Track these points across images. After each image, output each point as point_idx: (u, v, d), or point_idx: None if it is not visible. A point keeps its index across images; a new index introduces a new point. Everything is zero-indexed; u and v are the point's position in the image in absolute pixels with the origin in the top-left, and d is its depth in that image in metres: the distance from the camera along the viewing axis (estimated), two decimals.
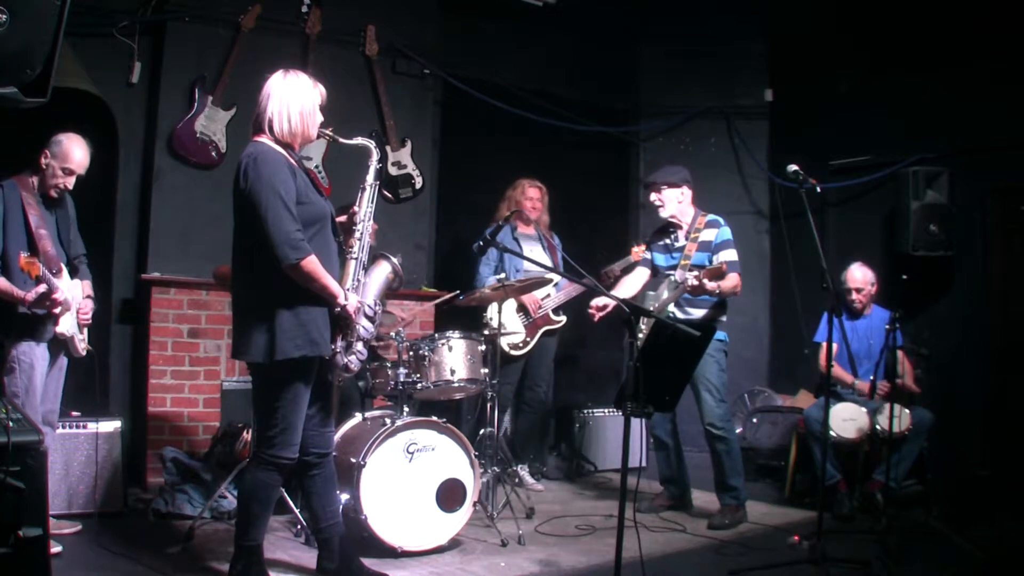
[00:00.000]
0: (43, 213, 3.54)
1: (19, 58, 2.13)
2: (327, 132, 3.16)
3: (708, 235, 4.40)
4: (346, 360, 3.04)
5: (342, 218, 3.22)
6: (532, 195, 5.22)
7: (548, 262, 5.07)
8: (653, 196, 4.50)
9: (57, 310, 3.46)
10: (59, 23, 2.18)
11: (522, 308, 5.07)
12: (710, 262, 4.31)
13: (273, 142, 2.96)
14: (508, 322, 4.90)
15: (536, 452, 5.51)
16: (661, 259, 4.56)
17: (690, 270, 4.28)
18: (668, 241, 4.55)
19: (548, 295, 5.11)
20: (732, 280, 4.31)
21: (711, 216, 4.48)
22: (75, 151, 3.55)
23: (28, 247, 3.42)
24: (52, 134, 3.58)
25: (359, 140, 3.28)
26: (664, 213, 4.49)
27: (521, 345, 5.07)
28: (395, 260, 3.30)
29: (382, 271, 3.27)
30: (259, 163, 2.87)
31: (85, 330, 3.73)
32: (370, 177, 3.24)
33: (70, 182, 3.59)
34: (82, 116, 4.48)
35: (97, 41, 4.74)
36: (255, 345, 2.88)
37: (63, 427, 3.88)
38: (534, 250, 5.08)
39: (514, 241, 5.11)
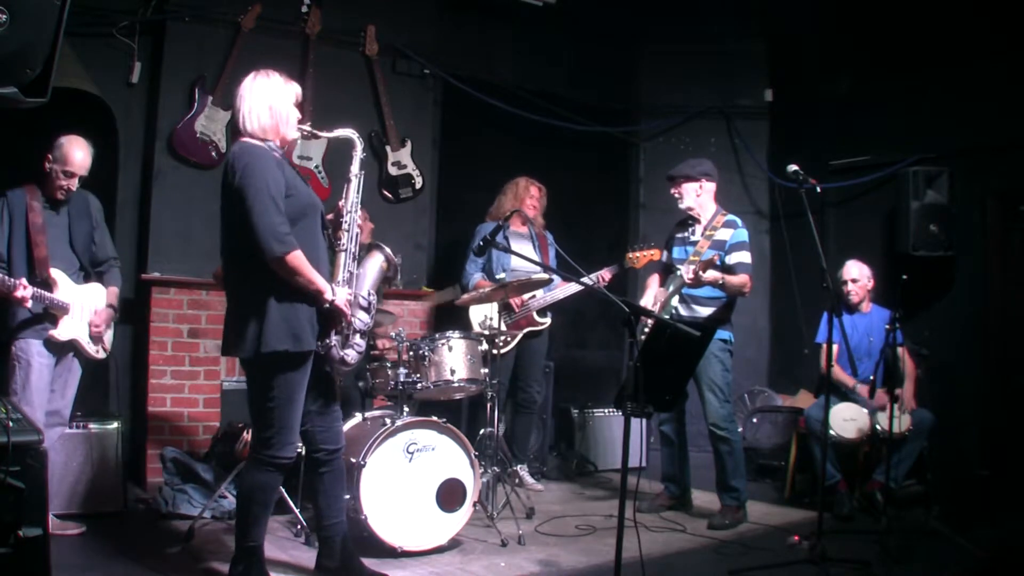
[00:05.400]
0: (50, 218, 3.57)
1: (19, 58, 2.13)
2: (305, 128, 3.15)
3: (723, 234, 4.40)
4: (342, 353, 3.02)
5: (330, 216, 3.21)
6: (534, 194, 5.22)
7: (539, 260, 5.04)
8: (672, 189, 4.53)
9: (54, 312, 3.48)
10: (59, 23, 2.18)
11: (506, 307, 5.05)
12: (721, 261, 4.32)
13: (254, 140, 2.97)
14: (482, 319, 4.86)
15: (536, 452, 5.50)
16: (676, 252, 4.57)
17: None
18: (685, 234, 4.56)
19: (534, 295, 5.04)
20: (739, 279, 4.31)
21: (730, 216, 4.48)
22: (75, 153, 3.57)
23: (26, 252, 3.46)
24: (52, 134, 3.59)
25: (339, 132, 3.22)
26: (681, 205, 4.52)
27: (500, 344, 5.02)
28: (387, 249, 3.29)
29: (376, 262, 3.25)
30: (246, 157, 2.88)
31: (108, 335, 3.76)
32: (355, 167, 3.20)
33: (73, 184, 3.61)
34: (82, 116, 4.48)
35: (97, 41, 4.75)
36: (244, 340, 2.87)
37: None
38: (524, 249, 5.06)
39: (503, 239, 5.08)
